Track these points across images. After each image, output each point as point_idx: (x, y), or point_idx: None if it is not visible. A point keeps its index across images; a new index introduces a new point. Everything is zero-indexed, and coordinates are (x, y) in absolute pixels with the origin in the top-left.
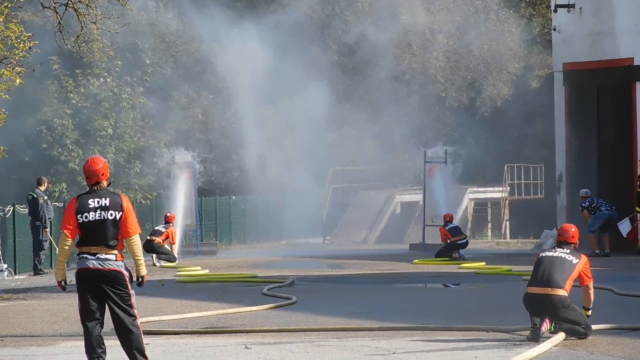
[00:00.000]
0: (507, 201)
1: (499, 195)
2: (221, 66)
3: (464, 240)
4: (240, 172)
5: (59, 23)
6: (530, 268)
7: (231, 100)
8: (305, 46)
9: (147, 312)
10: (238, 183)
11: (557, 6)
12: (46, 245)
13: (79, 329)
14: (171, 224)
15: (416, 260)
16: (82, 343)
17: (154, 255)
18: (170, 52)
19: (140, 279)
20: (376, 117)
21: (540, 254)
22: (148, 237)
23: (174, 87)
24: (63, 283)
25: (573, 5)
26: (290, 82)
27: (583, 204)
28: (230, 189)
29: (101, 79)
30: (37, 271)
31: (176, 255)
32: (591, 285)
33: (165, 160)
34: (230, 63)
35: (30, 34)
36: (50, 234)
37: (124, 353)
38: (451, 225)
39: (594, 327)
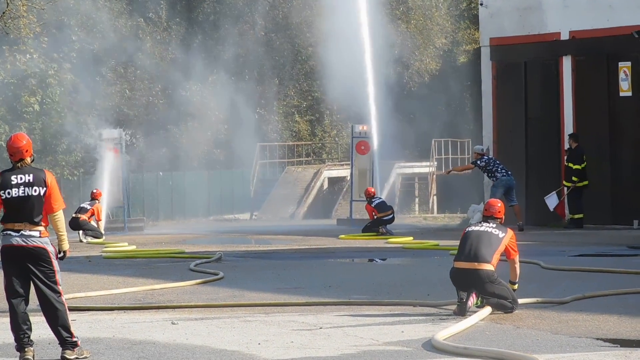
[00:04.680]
0: (435, 176)
1: (426, 170)
2: (149, 42)
3: (391, 216)
4: (168, 148)
5: None
6: (457, 243)
7: (159, 76)
8: (232, 21)
9: (73, 288)
10: (166, 159)
11: None
12: None
13: (4, 305)
14: (97, 201)
15: (342, 236)
16: (8, 320)
17: (81, 232)
18: (98, 28)
19: (62, 254)
20: (304, 92)
21: (467, 229)
22: (73, 215)
23: (101, 63)
24: None
25: None
26: (216, 58)
27: (479, 162)
28: (158, 165)
29: (28, 55)
30: None
31: (103, 232)
32: (517, 259)
33: (92, 136)
34: (157, 39)
35: None
36: None
37: (50, 329)
38: (377, 202)
39: (520, 301)
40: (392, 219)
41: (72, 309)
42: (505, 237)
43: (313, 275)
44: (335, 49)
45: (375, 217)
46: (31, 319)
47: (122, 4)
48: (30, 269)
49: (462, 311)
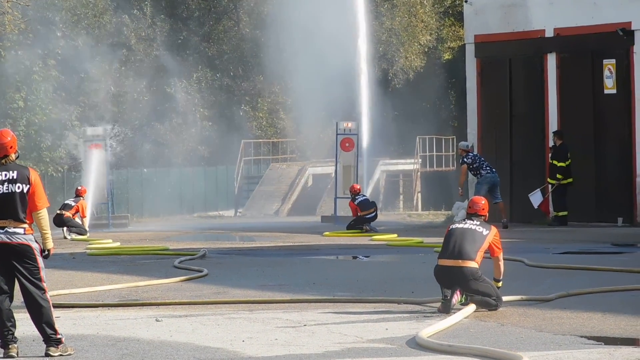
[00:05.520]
0: (419, 173)
1: (410, 167)
2: (133, 39)
3: (373, 214)
4: (152, 144)
5: None
6: (442, 240)
7: (143, 72)
8: (217, 18)
9: (58, 285)
10: (150, 156)
11: None
12: None
13: None
14: (81, 198)
15: (326, 233)
16: None
17: (65, 228)
18: (82, 25)
19: (46, 252)
20: (288, 89)
21: (451, 226)
22: (58, 211)
23: (86, 59)
24: None
25: None
26: (201, 54)
27: (465, 159)
28: (143, 161)
29: (12, 51)
30: None
31: (87, 229)
32: (501, 256)
33: (76, 133)
34: (142, 36)
35: None
36: None
37: (34, 326)
38: (360, 199)
39: (504, 298)
40: (375, 217)
41: (56, 306)
42: (489, 234)
43: (297, 272)
44: (320, 45)
45: (358, 214)
46: (15, 315)
47: (107, 0)
48: (14, 266)
49: (446, 308)
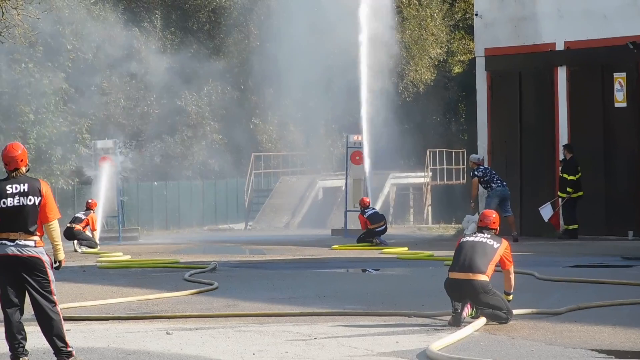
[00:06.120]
0: (429, 186)
1: (421, 180)
2: (143, 52)
3: (383, 227)
4: (162, 157)
5: None
6: (452, 253)
7: (153, 85)
8: (227, 31)
9: (68, 297)
10: (160, 169)
11: None
12: None
13: None
14: (92, 211)
15: (335, 246)
16: (2, 329)
17: (75, 241)
18: (92, 38)
19: (58, 264)
20: (298, 102)
21: (462, 239)
22: (68, 225)
23: (96, 72)
24: None
25: None
26: (211, 67)
27: (475, 172)
28: (153, 174)
29: (22, 64)
30: None
31: (97, 242)
32: (512, 269)
33: (86, 146)
34: (152, 49)
35: None
36: None
37: (45, 339)
38: (370, 212)
39: (515, 312)
40: (385, 230)
41: (66, 319)
42: (500, 247)
43: (307, 285)
44: (331, 58)
45: (368, 227)
46: (26, 328)
47: (117, 13)
48: (25, 279)
49: (456, 322)
